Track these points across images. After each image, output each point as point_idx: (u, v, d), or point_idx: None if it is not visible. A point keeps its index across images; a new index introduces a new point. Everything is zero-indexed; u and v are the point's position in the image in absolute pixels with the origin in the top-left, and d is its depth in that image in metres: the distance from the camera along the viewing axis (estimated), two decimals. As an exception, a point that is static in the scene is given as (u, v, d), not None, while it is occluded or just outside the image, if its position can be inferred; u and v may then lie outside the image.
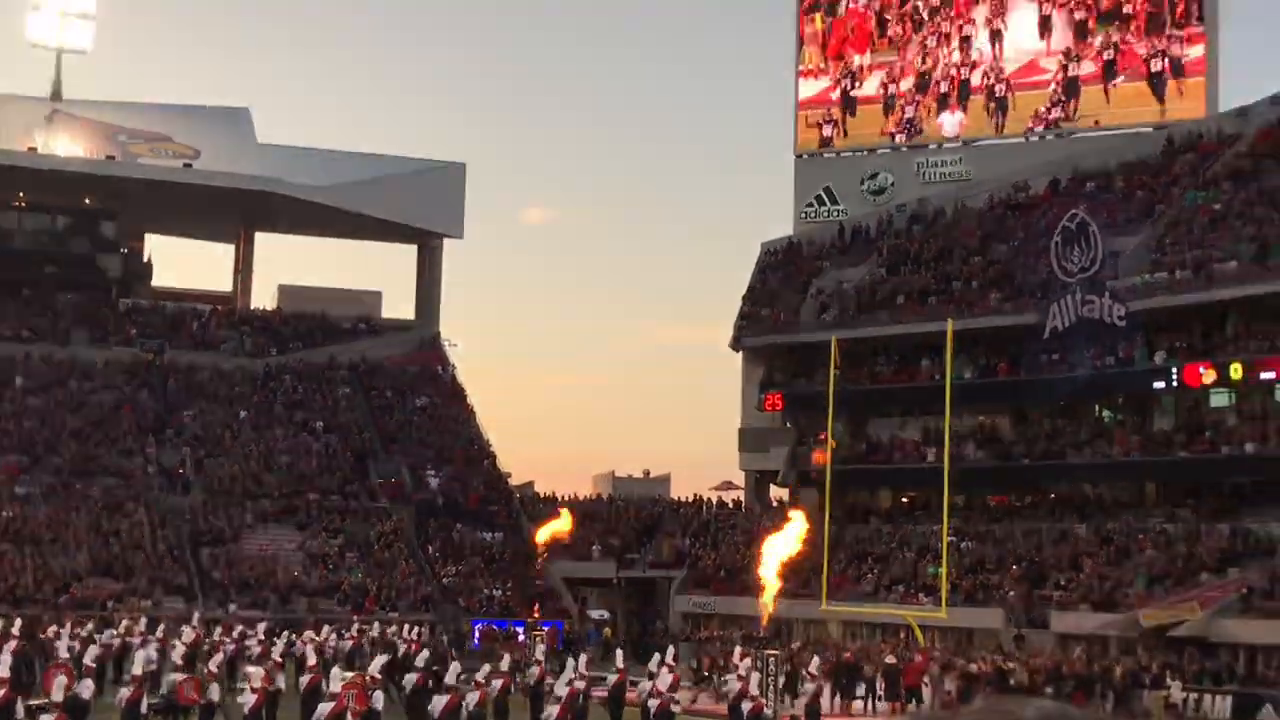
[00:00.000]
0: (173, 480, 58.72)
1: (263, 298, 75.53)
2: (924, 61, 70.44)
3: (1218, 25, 64.84)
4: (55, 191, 68.77)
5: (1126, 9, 66.13)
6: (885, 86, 71.15)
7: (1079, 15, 66.97)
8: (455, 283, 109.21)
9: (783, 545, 40.51)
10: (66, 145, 70.28)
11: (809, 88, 72.99)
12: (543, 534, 55.75)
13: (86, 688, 28.74)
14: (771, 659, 36.65)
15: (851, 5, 72.54)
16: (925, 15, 70.79)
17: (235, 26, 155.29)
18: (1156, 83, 64.91)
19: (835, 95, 72.27)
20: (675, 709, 30.34)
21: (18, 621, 40.70)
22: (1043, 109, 67.47)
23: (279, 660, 34.62)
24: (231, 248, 77.98)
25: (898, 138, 71.00)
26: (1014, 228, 61.94)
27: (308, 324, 71.22)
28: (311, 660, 35.61)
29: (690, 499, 68.40)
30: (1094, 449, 52.66)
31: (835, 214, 71.13)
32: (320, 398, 66.24)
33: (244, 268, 76.31)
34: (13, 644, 34.54)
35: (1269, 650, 40.06)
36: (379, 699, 27.99)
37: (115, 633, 41.40)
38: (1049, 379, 53.71)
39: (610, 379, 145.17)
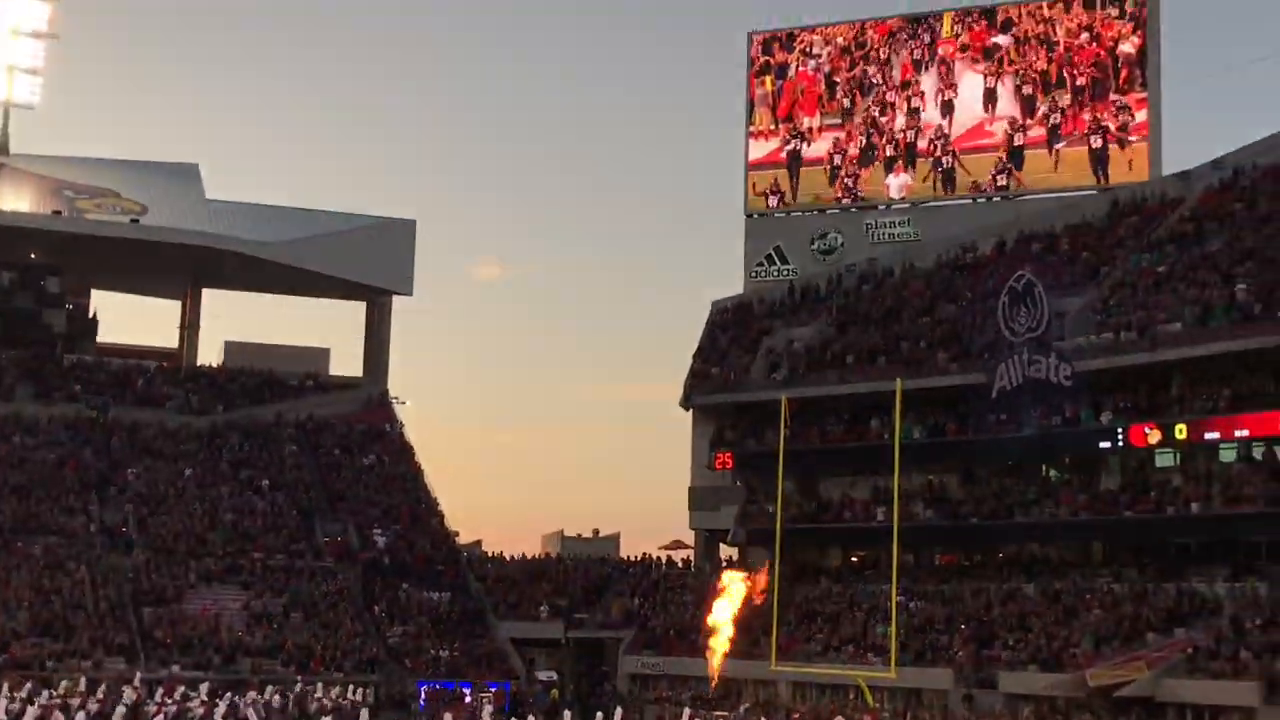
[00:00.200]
0: (115, 539, 57.91)
1: (209, 354, 75.08)
2: (871, 126, 71.25)
3: (1160, 91, 65.95)
4: (0, 246, 68.11)
5: (1070, 76, 67.20)
6: (834, 149, 71.89)
7: (1026, 89, 67.96)
8: (404, 339, 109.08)
9: (726, 606, 40.42)
10: (12, 200, 69.72)
11: (759, 149, 73.63)
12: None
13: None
14: (721, 720, 36.45)
15: (801, 69, 73.45)
16: (874, 80, 71.69)
17: (184, 82, 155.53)
18: (1100, 151, 65.88)
19: (785, 156, 72.94)
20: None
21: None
22: (987, 179, 68.39)
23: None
24: (178, 304, 77.40)
25: (844, 200, 71.63)
26: (961, 288, 62.48)
27: (254, 381, 70.73)
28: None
29: (639, 558, 68.22)
30: (1041, 508, 52.86)
31: (785, 273, 71.58)
32: (266, 455, 65.67)
33: (190, 324, 75.74)
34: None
35: (1215, 710, 40.27)
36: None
37: (55, 694, 40.71)
38: (997, 439, 53.99)
39: (559, 437, 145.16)
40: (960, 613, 51.16)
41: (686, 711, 45.95)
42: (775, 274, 71.96)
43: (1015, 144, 67.87)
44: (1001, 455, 54.99)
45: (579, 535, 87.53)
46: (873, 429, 57.65)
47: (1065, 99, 67.19)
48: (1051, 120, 67.11)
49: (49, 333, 70.02)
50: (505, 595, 62.99)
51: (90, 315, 74.32)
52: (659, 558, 67.73)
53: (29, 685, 41.90)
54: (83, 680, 43.66)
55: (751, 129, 73.96)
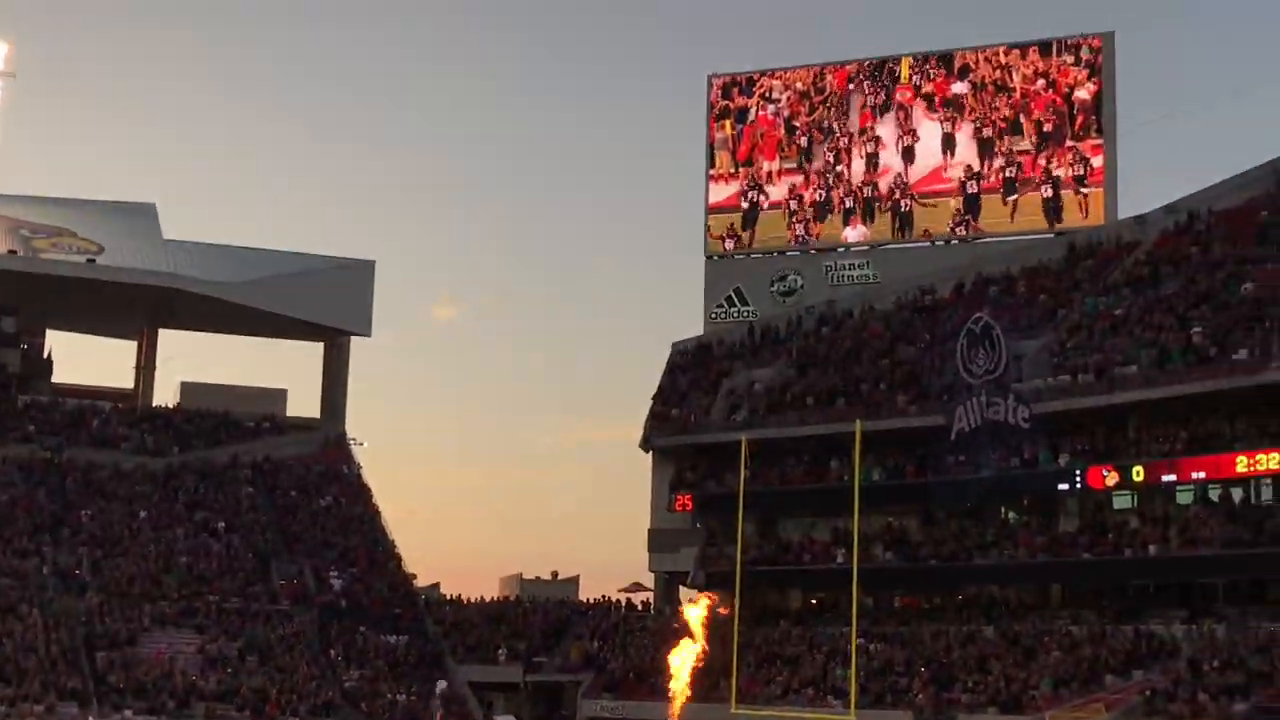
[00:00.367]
0: (69, 581, 57.15)
1: (165, 395, 74.35)
2: (830, 174, 71.61)
3: (1116, 136, 66.68)
4: (-45, 286, 67.48)
5: (1027, 123, 67.83)
6: (789, 195, 72.24)
7: (985, 132, 68.56)
8: (362, 380, 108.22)
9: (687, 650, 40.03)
10: (-33, 239, 69.12)
11: (719, 191, 73.88)
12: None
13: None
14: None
15: (761, 113, 73.81)
16: (833, 125, 72.13)
17: (142, 122, 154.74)
18: (1052, 201, 66.48)
19: (745, 199, 73.21)
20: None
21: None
22: (945, 228, 68.87)
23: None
24: (134, 344, 76.78)
25: (805, 240, 71.93)
26: (920, 330, 62.77)
27: (211, 422, 70.11)
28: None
29: (599, 601, 67.87)
30: (1000, 550, 53.02)
31: (745, 315, 71.72)
32: (222, 497, 65.04)
33: (146, 364, 75.09)
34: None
35: (1174, 752, 40.33)
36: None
37: (4, 739, 40.06)
38: (956, 480, 54.17)
39: (518, 479, 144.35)
40: (920, 655, 51.12)
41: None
42: (735, 315, 72.08)
43: (970, 192, 68.39)
44: (960, 497, 55.16)
45: (538, 578, 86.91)
46: (832, 470, 57.73)
47: (1022, 144, 67.80)
48: (1006, 173, 67.71)
49: (3, 372, 69.30)
50: (463, 638, 62.51)
51: (45, 355, 73.62)
52: (618, 600, 67.44)
53: (-22, 730, 41.25)
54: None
55: (712, 172, 74.20)
